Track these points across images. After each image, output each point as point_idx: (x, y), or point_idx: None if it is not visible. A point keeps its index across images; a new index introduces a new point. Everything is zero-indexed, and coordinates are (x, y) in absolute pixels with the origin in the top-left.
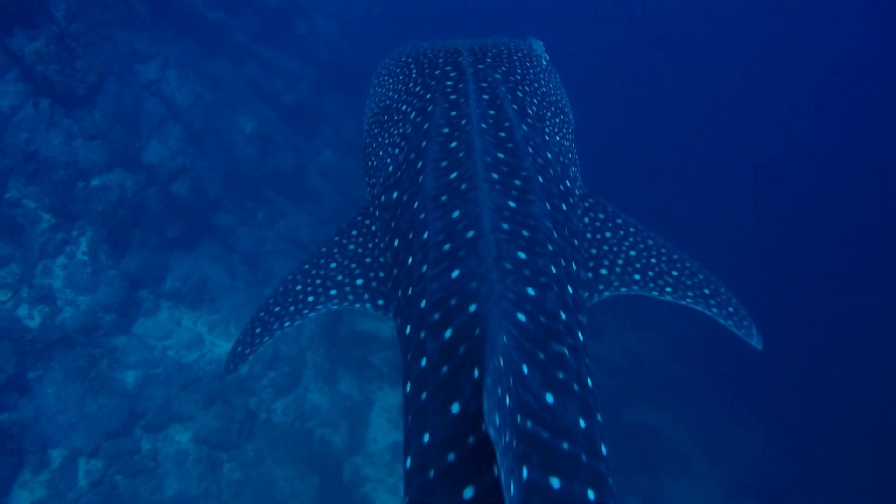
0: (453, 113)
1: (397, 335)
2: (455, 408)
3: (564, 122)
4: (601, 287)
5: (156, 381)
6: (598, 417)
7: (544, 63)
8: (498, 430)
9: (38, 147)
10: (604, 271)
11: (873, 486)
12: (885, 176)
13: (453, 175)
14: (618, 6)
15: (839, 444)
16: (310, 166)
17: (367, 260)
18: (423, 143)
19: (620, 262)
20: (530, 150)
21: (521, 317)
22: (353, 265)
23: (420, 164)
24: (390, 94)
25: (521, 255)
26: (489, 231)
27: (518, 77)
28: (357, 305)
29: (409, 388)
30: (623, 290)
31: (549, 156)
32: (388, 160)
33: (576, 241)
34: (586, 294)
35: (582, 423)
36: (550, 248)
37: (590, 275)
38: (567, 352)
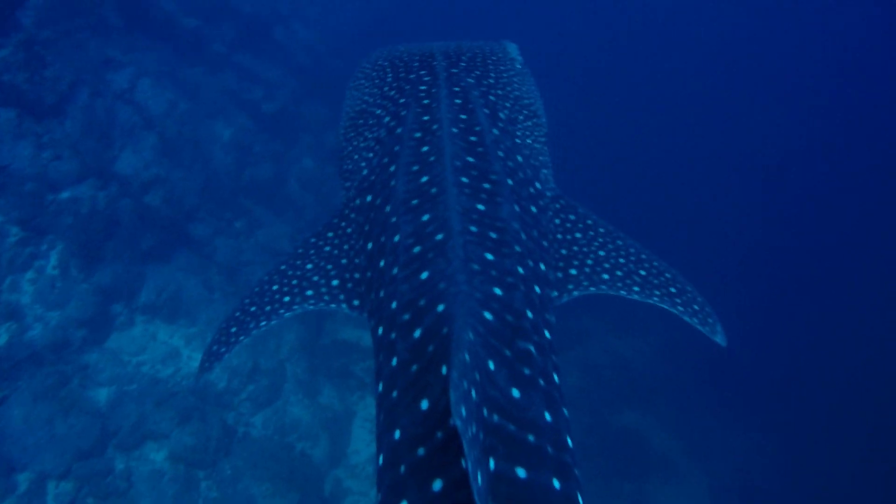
0: (426, 118)
1: (371, 336)
2: (424, 404)
3: (537, 126)
4: (570, 287)
5: (129, 398)
6: (565, 412)
7: (518, 66)
8: (465, 422)
9: (5, 158)
10: (574, 271)
11: (859, 489)
12: (877, 176)
13: (424, 179)
14: (614, 4)
15: (825, 448)
16: (289, 175)
17: (343, 261)
18: (396, 147)
19: (590, 262)
20: (500, 153)
21: (488, 315)
22: (329, 266)
23: (393, 167)
24: (366, 97)
25: (489, 256)
26: (457, 234)
27: (491, 81)
28: (333, 306)
29: (380, 387)
30: (592, 289)
31: (520, 159)
32: (363, 163)
33: (545, 243)
34: (555, 293)
35: (548, 416)
36: (518, 249)
37: (559, 275)
38: (533, 349)
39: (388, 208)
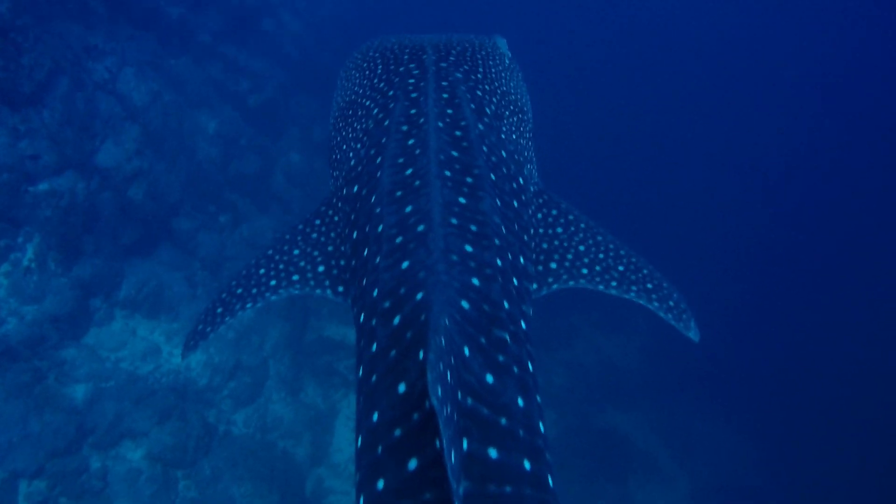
0: (413, 111)
1: (353, 323)
2: (401, 388)
3: (522, 121)
4: (550, 280)
5: (107, 396)
6: (538, 399)
7: (507, 61)
8: (440, 401)
9: None
10: (554, 265)
11: (842, 489)
12: (869, 174)
13: (409, 171)
14: (611, 4)
15: (808, 448)
16: (276, 168)
17: (329, 248)
18: (383, 140)
19: (570, 256)
20: (485, 148)
21: (465, 304)
22: (316, 253)
23: (379, 159)
24: (356, 88)
25: (468, 248)
26: (438, 225)
27: (479, 76)
28: (318, 291)
29: (360, 372)
30: (571, 283)
31: (504, 154)
32: (351, 154)
33: (526, 237)
34: (535, 286)
35: (520, 401)
36: (498, 242)
37: (539, 268)
38: (508, 338)
39: (373, 199)
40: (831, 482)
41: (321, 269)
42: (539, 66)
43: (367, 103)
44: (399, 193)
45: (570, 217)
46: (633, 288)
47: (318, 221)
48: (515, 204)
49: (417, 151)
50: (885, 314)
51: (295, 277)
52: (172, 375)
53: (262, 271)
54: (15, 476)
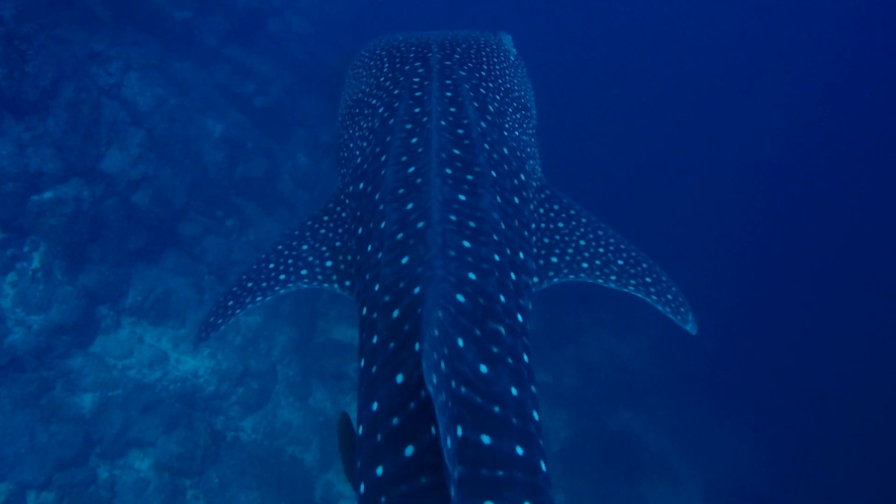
0: (417, 110)
1: (357, 316)
2: (399, 378)
3: (525, 118)
4: (551, 274)
5: (114, 405)
6: (532, 389)
7: (511, 58)
8: (436, 389)
9: None
10: (554, 259)
11: (854, 490)
12: (866, 173)
13: (411, 169)
14: (611, 4)
15: (819, 448)
16: (282, 171)
17: (337, 244)
18: (388, 138)
19: (570, 250)
20: (486, 146)
21: (460, 297)
22: (324, 248)
23: (383, 157)
24: (363, 87)
25: (466, 243)
26: (437, 222)
27: (483, 73)
28: (326, 285)
29: (362, 363)
30: (571, 276)
31: (506, 151)
32: (357, 152)
33: (526, 233)
34: (535, 280)
35: (514, 391)
36: (496, 238)
37: (541, 262)
38: (503, 330)
39: (377, 196)
40: (843, 482)
41: (329, 263)
42: (541, 63)
43: (374, 102)
44: (401, 191)
45: (572, 212)
46: (632, 282)
47: (326, 217)
48: (516, 200)
49: (420, 150)
50: (887, 314)
51: (304, 272)
52: (180, 383)
53: (271, 265)
54: (23, 488)
